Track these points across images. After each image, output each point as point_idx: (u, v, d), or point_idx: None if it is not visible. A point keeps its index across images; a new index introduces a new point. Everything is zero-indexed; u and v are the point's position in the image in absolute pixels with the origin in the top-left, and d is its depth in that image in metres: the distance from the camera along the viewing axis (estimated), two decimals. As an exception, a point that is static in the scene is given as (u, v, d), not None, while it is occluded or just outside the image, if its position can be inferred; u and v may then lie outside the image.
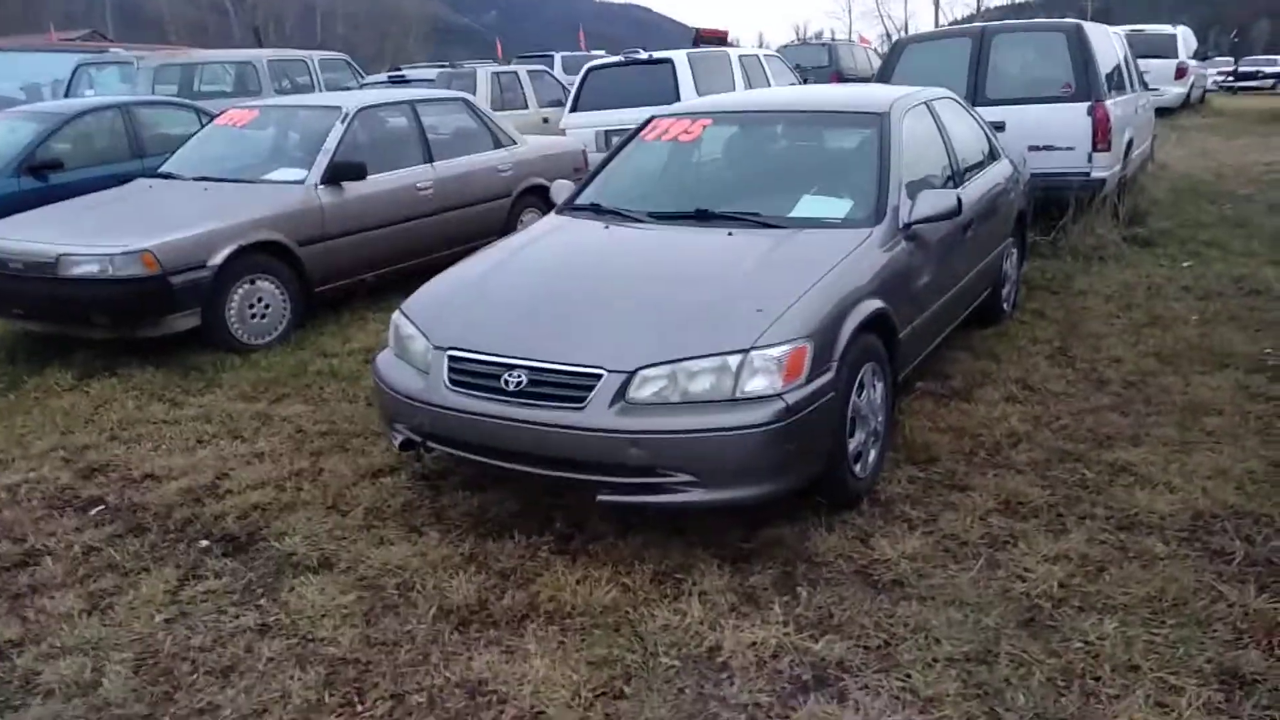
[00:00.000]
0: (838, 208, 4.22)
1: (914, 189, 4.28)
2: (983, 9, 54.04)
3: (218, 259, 5.60)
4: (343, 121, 6.55)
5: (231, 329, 5.74)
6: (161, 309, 5.46)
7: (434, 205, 7.02)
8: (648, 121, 5.04)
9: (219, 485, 4.13)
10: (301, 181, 6.23)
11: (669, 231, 4.21)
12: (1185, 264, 7.32)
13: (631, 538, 3.54)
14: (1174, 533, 3.49)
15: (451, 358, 3.52)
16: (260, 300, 5.87)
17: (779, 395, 3.21)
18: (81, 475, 4.31)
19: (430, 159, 7.12)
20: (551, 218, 4.68)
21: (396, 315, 3.91)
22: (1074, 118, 7.62)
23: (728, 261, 3.81)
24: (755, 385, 3.22)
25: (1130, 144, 8.64)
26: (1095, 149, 7.60)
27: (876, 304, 3.77)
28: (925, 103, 5.02)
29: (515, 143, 7.94)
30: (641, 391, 3.23)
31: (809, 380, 3.31)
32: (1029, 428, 4.43)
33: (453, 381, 3.49)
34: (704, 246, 4.02)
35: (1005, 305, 5.98)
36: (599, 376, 3.25)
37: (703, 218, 4.23)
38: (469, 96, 7.90)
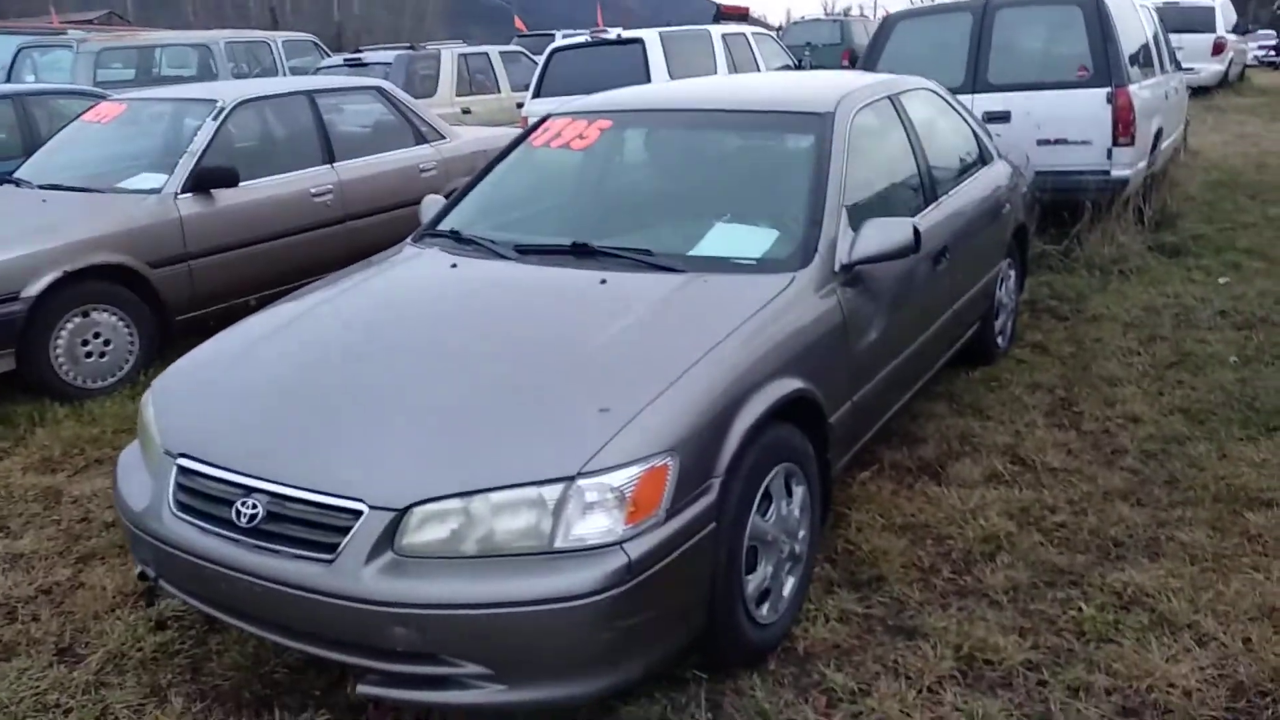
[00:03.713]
0: (755, 242, 3.17)
1: (861, 215, 3.21)
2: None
3: (35, 288, 4.62)
4: (215, 118, 5.54)
5: (59, 371, 4.77)
6: (-45, 351, 4.49)
7: (335, 213, 6.01)
8: (541, 122, 3.99)
9: (-59, 608, 3.17)
10: (158, 190, 5.24)
11: (532, 273, 3.17)
12: (1222, 280, 6.18)
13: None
14: (1204, 726, 2.44)
15: (181, 469, 2.52)
16: (98, 335, 4.90)
17: (619, 545, 2.19)
18: None
19: (331, 159, 6.10)
20: (401, 248, 3.66)
21: (146, 394, 2.92)
22: (1091, 106, 6.47)
23: (588, 324, 2.77)
24: (585, 530, 2.19)
25: (1159, 134, 7.48)
26: (1116, 143, 6.45)
27: (793, 384, 2.73)
28: (890, 96, 3.94)
29: (443, 137, 6.90)
30: (419, 538, 2.21)
31: (672, 514, 2.28)
32: (1013, 527, 3.38)
33: (179, 504, 2.49)
34: (565, 299, 2.98)
35: (999, 340, 4.90)
36: (358, 514, 2.23)
37: (580, 254, 3.19)
38: (385, 84, 6.86)
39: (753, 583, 2.62)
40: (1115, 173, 6.50)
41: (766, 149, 3.59)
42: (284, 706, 2.60)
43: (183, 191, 5.27)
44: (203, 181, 5.32)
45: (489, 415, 2.38)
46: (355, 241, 6.05)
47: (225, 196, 5.42)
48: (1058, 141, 6.50)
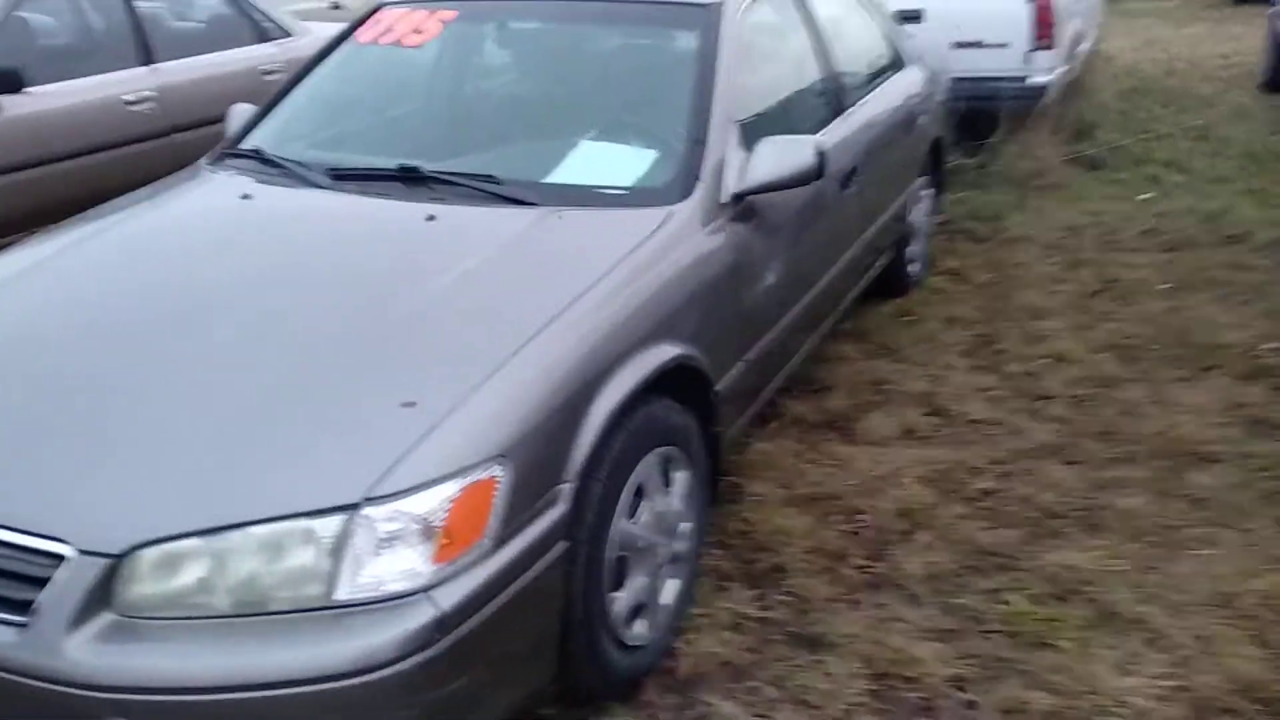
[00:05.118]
0: (627, 166, 2.55)
1: (756, 132, 2.62)
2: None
3: None
4: (-6, 7, 4.60)
5: None
6: None
7: (157, 125, 5.12)
8: (372, 12, 3.26)
9: None
10: (-78, 97, 4.33)
11: (344, 207, 2.51)
12: (1143, 196, 5.79)
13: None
14: (1161, 761, 2.02)
15: None
16: None
17: (425, 592, 1.61)
18: None
19: (149, 59, 5.19)
20: (193, 172, 2.93)
21: None
22: (1009, 5, 5.94)
23: (403, 278, 2.14)
24: (378, 574, 1.61)
25: (1077, 38, 7.01)
26: (1036, 46, 5.95)
27: (671, 349, 2.17)
28: (790, -14, 3.32)
29: (289, 35, 6.01)
30: (147, 591, 1.60)
31: (504, 539, 1.71)
32: (932, 497, 2.92)
33: None
34: (379, 244, 2.34)
35: (913, 268, 4.41)
36: (61, 559, 1.60)
37: (409, 180, 2.53)
38: (215, -28, 5.92)
39: (621, 601, 2.09)
40: (1033, 78, 6.01)
41: (641, 49, 2.94)
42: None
43: (-47, 98, 4.37)
44: (-21, 85, 4.41)
45: (253, 416, 1.75)
46: (183, 158, 5.11)
47: (10, 104, 4.52)
48: (974, 44, 5.96)
